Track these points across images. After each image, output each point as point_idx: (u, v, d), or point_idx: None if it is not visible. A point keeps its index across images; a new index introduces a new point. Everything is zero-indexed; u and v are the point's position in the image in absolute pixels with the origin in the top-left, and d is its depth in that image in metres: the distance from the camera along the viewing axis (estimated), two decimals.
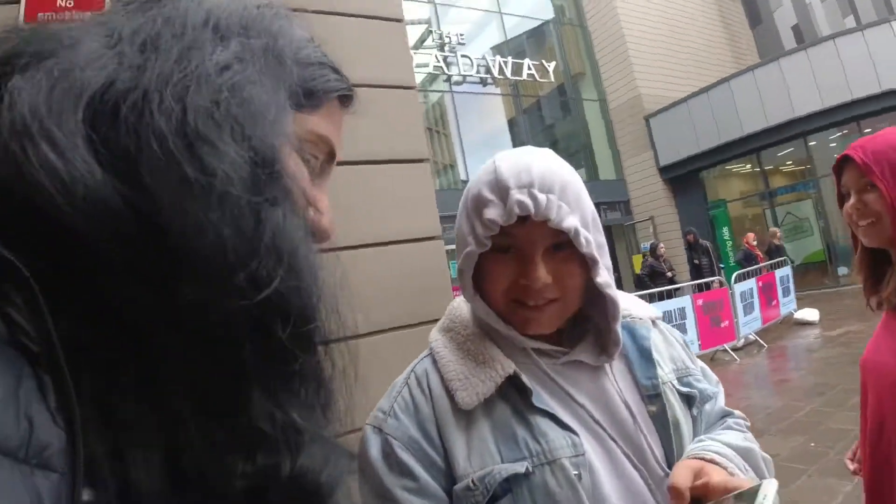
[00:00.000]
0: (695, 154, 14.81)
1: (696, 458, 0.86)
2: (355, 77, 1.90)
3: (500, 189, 0.85)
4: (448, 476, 0.84)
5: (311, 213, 0.52)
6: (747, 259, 10.16)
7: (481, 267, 0.89)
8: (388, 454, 0.85)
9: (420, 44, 15.03)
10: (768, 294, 9.06)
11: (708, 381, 1.04)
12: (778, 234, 11.28)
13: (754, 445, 0.95)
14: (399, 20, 2.21)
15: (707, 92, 14.55)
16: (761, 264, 9.84)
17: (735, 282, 8.52)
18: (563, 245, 0.86)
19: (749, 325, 8.47)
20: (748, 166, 15.29)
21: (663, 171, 15.72)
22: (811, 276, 13.37)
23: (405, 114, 2.11)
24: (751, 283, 8.76)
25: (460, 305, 1.00)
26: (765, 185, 14.93)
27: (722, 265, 12.62)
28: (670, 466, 0.87)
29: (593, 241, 0.86)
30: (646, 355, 0.97)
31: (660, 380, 0.94)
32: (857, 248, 1.46)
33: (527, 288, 0.86)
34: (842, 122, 12.09)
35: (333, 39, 1.94)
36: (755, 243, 10.72)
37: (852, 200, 1.38)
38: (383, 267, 1.92)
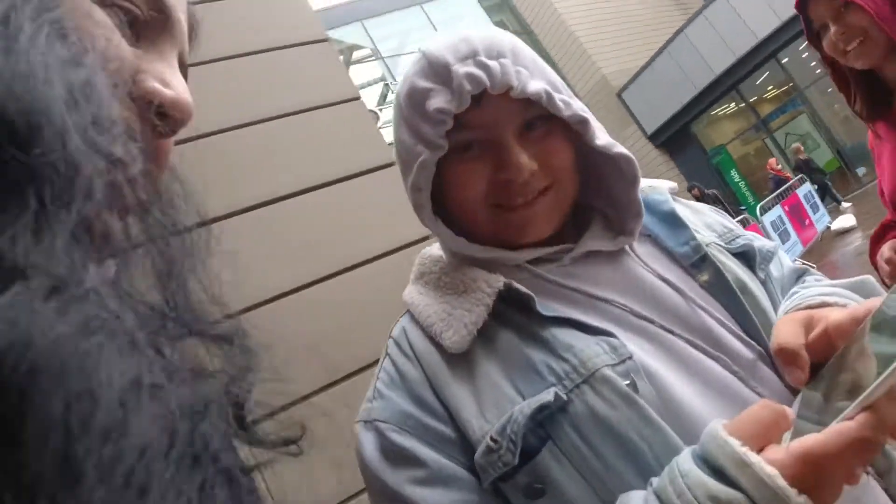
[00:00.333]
0: (677, 111, 14.64)
1: (797, 310, 0.66)
2: (300, 104, 1.83)
3: (438, 70, 0.68)
4: (465, 447, 0.64)
5: (150, 83, 0.41)
6: (778, 184, 10.00)
7: (443, 179, 0.72)
8: (384, 445, 0.66)
9: (383, 100, 15.20)
10: (798, 216, 8.80)
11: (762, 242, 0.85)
12: (801, 149, 11.13)
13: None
14: (324, 40, 2.18)
15: (666, 49, 14.48)
16: (790, 182, 9.68)
17: (761, 214, 8.29)
18: (536, 122, 0.70)
19: (791, 251, 8.14)
20: (732, 105, 15.09)
21: (653, 138, 15.54)
22: (834, 185, 13.03)
23: (357, 125, 2.06)
24: (777, 211, 8.52)
25: (429, 249, 0.83)
26: (755, 117, 14.69)
27: (742, 206, 12.36)
28: (759, 343, 0.68)
29: (573, 103, 0.70)
30: (671, 220, 0.78)
31: (700, 242, 0.75)
32: (848, 87, 1.40)
33: (509, 184, 0.69)
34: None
35: (269, 76, 1.88)
36: (780, 167, 10.59)
37: (833, 29, 1.29)
38: (376, 284, 1.77)
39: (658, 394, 0.61)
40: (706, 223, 0.83)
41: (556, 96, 0.68)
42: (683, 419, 0.61)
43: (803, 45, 13.55)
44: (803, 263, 0.89)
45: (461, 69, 0.66)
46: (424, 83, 0.69)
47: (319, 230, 1.83)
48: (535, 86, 0.67)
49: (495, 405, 0.63)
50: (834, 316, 0.58)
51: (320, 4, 14.43)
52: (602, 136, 0.72)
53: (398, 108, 0.74)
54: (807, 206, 9.11)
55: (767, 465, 0.45)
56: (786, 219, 8.48)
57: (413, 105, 0.70)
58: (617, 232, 0.76)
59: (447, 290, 0.72)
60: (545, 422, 0.60)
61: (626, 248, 0.76)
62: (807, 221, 8.90)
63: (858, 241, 7.84)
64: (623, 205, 0.76)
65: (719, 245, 0.78)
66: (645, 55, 15.27)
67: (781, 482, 0.44)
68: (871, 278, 0.75)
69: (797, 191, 9.32)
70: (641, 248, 0.77)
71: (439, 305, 0.70)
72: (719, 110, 15.35)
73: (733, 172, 14.15)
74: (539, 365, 0.64)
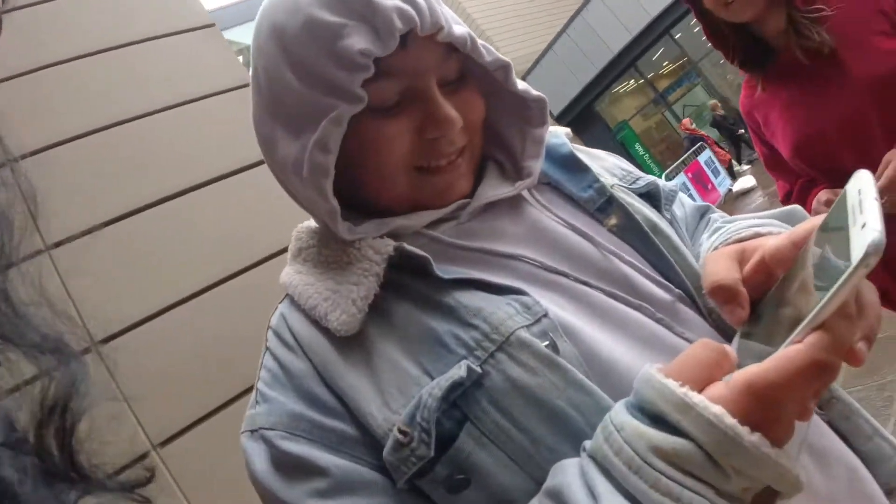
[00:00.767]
0: (579, 92, 15.03)
1: (726, 245, 0.60)
2: (187, 93, 1.72)
3: (352, 1, 0.55)
4: (371, 444, 0.54)
5: None
6: (693, 142, 10.51)
7: (346, 147, 0.59)
8: (275, 456, 0.56)
9: None
10: (701, 181, 9.22)
11: None
12: (717, 105, 11.59)
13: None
14: (211, 25, 2.06)
15: (566, 32, 14.81)
16: (704, 140, 10.30)
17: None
18: (451, 78, 0.63)
19: None
20: (632, 82, 15.63)
21: (559, 119, 15.89)
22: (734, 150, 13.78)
23: (248, 114, 1.94)
24: (681, 178, 8.88)
25: (306, 222, 0.71)
26: (654, 92, 15.33)
27: None
28: (676, 285, 0.63)
29: (491, 48, 0.63)
30: (571, 164, 0.71)
31: (604, 184, 0.69)
32: (722, 43, 1.39)
33: (435, 143, 0.61)
34: None
35: (156, 64, 1.75)
36: (694, 126, 11.09)
37: None
38: (259, 294, 1.65)
39: (581, 353, 0.54)
40: (605, 167, 0.77)
41: (478, 41, 0.61)
42: (613, 377, 0.53)
43: (694, 19, 14.15)
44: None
45: (387, 2, 0.54)
46: (331, 17, 0.55)
47: (215, 227, 1.73)
48: (459, 29, 0.59)
49: (400, 390, 0.54)
50: (771, 242, 0.51)
51: (213, 4, 13.92)
52: (521, 82, 0.66)
53: (277, 45, 0.59)
54: (708, 172, 9.58)
55: (711, 403, 0.39)
56: (690, 185, 8.87)
57: (315, 42, 0.56)
58: (513, 179, 0.69)
59: (329, 264, 0.62)
60: (459, 401, 0.52)
61: (528, 196, 0.69)
62: (709, 185, 9.36)
63: (759, 199, 8.29)
64: (518, 149, 0.70)
65: (623, 187, 0.73)
66: (544, 39, 15.56)
67: (730, 420, 0.38)
68: (800, 207, 0.70)
69: (699, 157, 9.78)
70: (542, 196, 0.70)
71: (321, 283, 0.60)
72: (620, 88, 15.85)
73: (637, 146, 14.69)
74: (445, 336, 0.55)
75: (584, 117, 15.67)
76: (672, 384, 0.41)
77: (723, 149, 11.07)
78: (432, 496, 0.52)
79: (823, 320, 0.38)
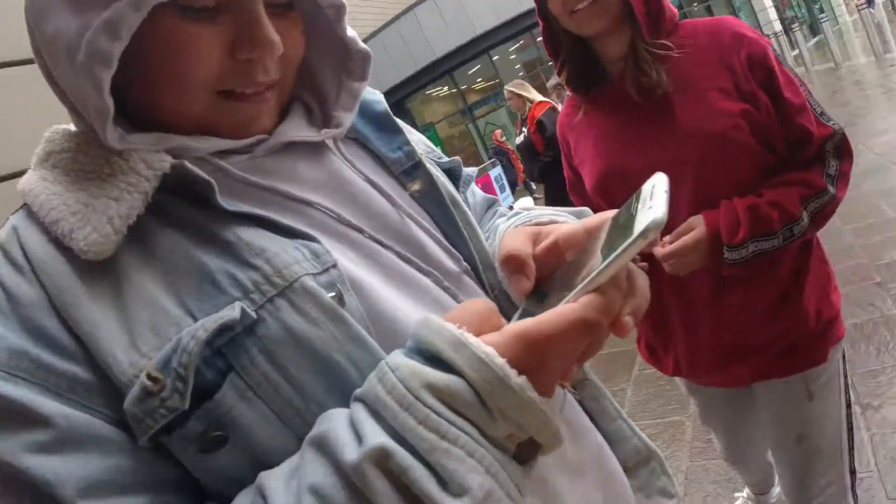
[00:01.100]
0: (396, 84, 15.33)
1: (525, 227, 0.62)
2: None
3: None
4: (110, 392, 0.45)
5: None
6: (498, 154, 10.92)
7: (137, 42, 0.48)
8: None
9: None
10: (488, 193, 9.98)
11: None
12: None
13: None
14: None
15: (395, 22, 15.01)
16: (509, 154, 10.69)
17: None
18: (279, 0, 0.56)
19: None
20: (445, 88, 16.32)
21: None
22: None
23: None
24: None
25: (63, 125, 0.58)
26: (463, 103, 16.18)
27: None
28: (466, 259, 0.65)
29: None
30: (384, 123, 0.69)
31: (414, 148, 0.68)
32: (557, 53, 1.29)
33: (247, 65, 0.53)
34: (517, 33, 13.39)
35: None
36: (504, 139, 11.60)
37: None
38: None
39: (366, 309, 0.52)
40: (412, 139, 0.73)
41: None
42: (395, 337, 0.51)
43: (513, 48, 15.15)
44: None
45: None
46: None
47: None
48: None
49: (153, 331, 0.46)
50: (565, 227, 0.53)
51: None
52: (351, 30, 0.63)
53: None
54: (496, 187, 10.39)
55: (485, 344, 0.40)
56: None
57: None
58: (320, 125, 0.65)
59: (85, 173, 0.51)
60: (225, 349, 0.45)
61: (331, 146, 0.64)
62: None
63: None
64: (331, 97, 0.66)
65: (430, 158, 0.72)
66: (373, 24, 15.59)
67: (499, 360, 0.39)
68: (588, 209, 0.72)
69: (489, 172, 10.55)
70: (347, 150, 0.66)
71: (71, 194, 0.49)
72: (433, 91, 16.46)
73: (438, 150, 15.42)
74: (217, 274, 0.48)
75: (395, 110, 15.69)
76: (450, 325, 0.42)
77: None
78: (179, 456, 0.46)
79: (598, 286, 0.41)
